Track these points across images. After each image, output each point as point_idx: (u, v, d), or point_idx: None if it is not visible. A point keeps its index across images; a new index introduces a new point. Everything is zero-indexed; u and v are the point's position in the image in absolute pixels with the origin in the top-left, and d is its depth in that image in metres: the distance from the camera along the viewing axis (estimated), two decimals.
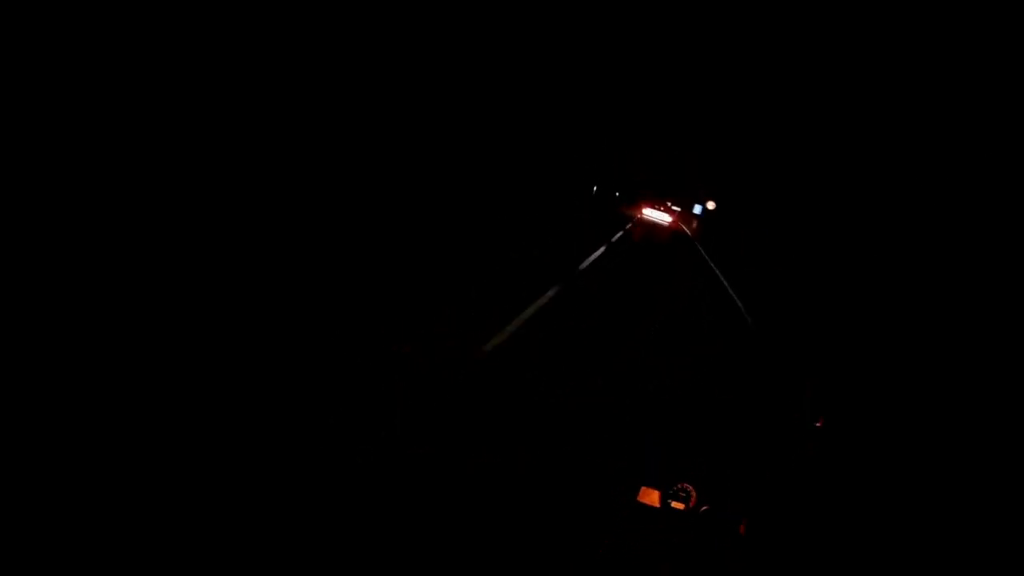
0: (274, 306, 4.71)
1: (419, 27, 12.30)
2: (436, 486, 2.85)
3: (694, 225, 34.45)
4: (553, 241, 13.02)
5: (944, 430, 6.18)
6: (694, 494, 1.94)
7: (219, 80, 7.30)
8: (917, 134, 12.71)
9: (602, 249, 13.54)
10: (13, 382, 2.68)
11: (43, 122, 4.92)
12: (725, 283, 14.13)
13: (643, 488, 1.96)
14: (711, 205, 31.89)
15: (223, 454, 2.65)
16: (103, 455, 2.41)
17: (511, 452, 3.23)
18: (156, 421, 2.73)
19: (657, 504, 1.96)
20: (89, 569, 1.94)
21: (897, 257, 11.93)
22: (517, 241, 11.95)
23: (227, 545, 2.13)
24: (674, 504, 1.94)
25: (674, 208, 37.75)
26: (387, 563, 2.27)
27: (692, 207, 35.55)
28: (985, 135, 10.23)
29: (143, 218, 5.14)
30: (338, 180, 9.96)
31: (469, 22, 14.54)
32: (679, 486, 1.95)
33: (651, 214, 31.67)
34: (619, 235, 18.55)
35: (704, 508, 1.92)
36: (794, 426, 3.44)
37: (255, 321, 4.29)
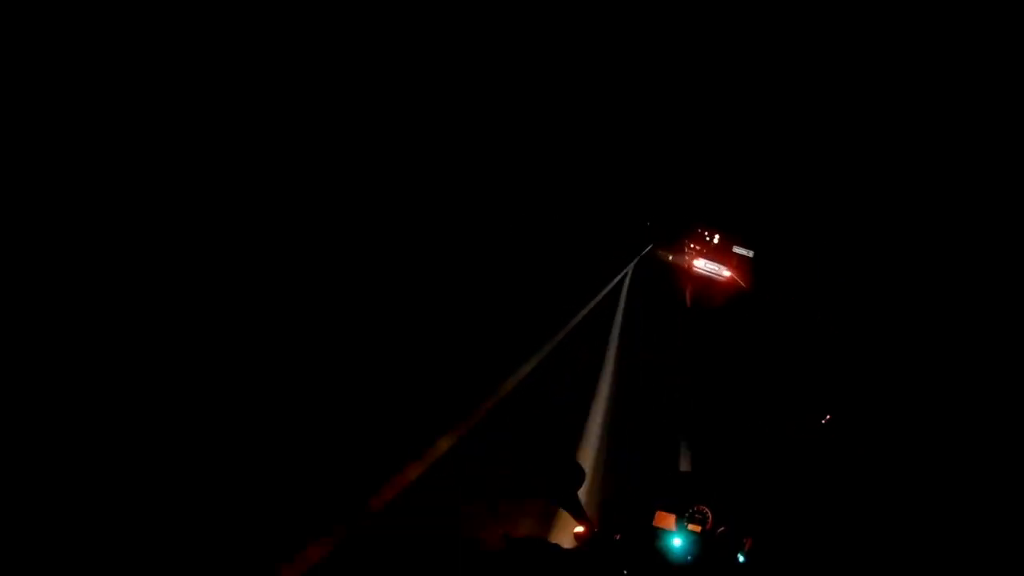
0: (275, 307, 4.73)
1: (457, 41, 12.39)
2: (434, 488, 2.84)
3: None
4: None
5: (945, 428, 6.14)
6: (711, 515, 1.90)
7: (226, 86, 7.32)
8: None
9: None
10: (13, 382, 2.66)
11: (44, 122, 4.89)
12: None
13: (658, 512, 1.93)
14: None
15: (223, 453, 2.66)
16: (105, 453, 2.40)
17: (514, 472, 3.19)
18: (156, 420, 2.73)
19: (673, 528, 1.92)
20: (89, 569, 1.92)
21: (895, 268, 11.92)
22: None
23: (226, 543, 2.13)
24: (690, 527, 1.90)
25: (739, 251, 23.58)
26: (385, 563, 2.28)
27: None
28: None
29: (146, 220, 5.15)
30: (352, 188, 10.02)
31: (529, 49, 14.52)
32: (695, 508, 1.92)
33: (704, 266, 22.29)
34: None
35: (721, 530, 1.89)
36: (798, 431, 3.40)
37: (256, 322, 4.31)
